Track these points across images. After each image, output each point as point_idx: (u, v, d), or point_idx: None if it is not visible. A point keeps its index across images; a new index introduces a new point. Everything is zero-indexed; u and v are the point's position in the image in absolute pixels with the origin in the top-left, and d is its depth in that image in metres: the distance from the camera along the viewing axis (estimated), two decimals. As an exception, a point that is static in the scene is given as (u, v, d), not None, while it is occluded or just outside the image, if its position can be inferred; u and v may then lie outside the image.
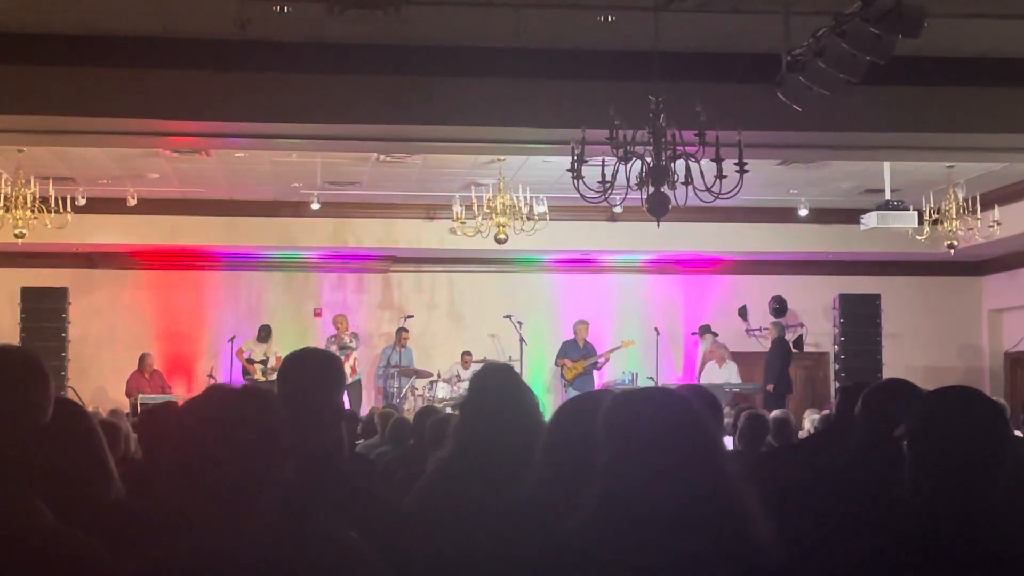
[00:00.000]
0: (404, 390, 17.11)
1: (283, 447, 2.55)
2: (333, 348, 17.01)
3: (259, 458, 2.51)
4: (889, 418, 3.79)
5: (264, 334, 17.65)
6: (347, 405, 16.29)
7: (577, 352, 17.87)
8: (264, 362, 17.18)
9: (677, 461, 2.59)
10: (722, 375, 17.51)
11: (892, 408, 3.86)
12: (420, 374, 17.29)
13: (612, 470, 2.65)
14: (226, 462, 2.47)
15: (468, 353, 17.54)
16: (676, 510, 2.55)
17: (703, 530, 2.54)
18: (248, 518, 2.47)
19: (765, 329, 18.45)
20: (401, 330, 17.88)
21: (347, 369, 17.08)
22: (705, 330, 18.40)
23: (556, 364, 17.99)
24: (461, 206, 15.06)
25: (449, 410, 9.88)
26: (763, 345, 18.19)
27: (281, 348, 17.22)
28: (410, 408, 15.01)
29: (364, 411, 13.79)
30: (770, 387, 16.95)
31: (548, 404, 15.80)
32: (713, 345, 18.17)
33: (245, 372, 17.29)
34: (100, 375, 17.92)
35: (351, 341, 17.53)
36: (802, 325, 19.24)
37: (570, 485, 3.07)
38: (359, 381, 17.60)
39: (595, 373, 17.95)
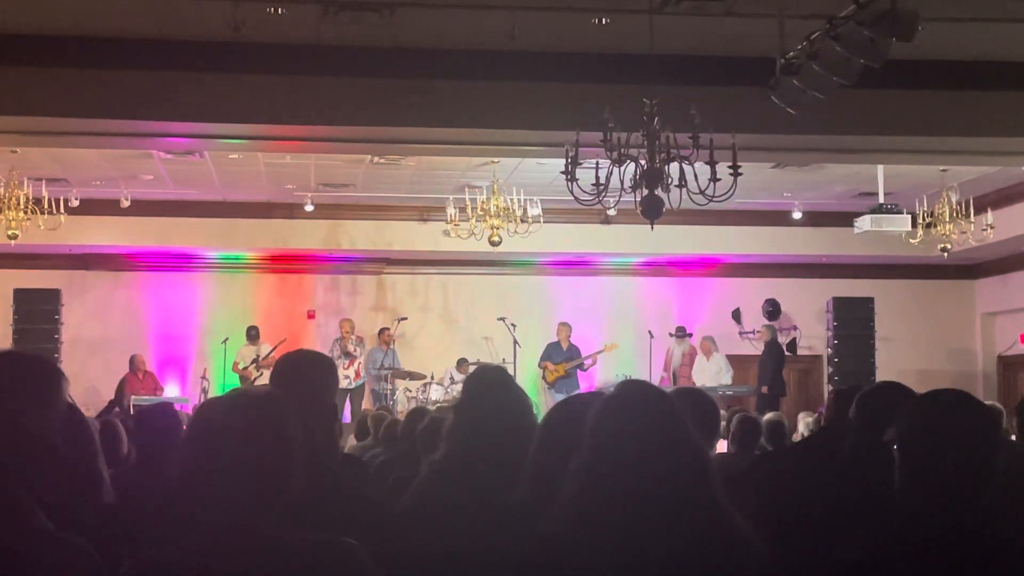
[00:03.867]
0: (396, 392, 17.10)
1: (296, 456, 2.55)
2: (336, 351, 16.98)
3: (274, 467, 2.51)
4: (883, 421, 3.79)
5: (252, 334, 17.59)
6: (348, 409, 16.36)
7: (560, 355, 17.87)
8: (255, 361, 17.12)
9: (649, 461, 2.59)
10: (711, 368, 17.50)
11: (886, 411, 3.86)
12: (413, 376, 17.28)
13: (586, 470, 2.65)
14: (242, 467, 2.47)
15: (464, 360, 17.48)
16: (648, 510, 2.54)
17: (676, 530, 2.53)
18: (255, 525, 2.47)
19: (758, 332, 18.46)
20: (383, 330, 17.90)
21: (351, 373, 17.09)
22: (682, 332, 18.31)
23: (539, 366, 17.97)
24: (455, 208, 15.05)
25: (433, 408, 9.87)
26: (756, 348, 18.21)
27: (267, 348, 17.20)
28: (402, 410, 14.99)
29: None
30: (764, 389, 16.95)
31: (541, 406, 15.81)
32: (702, 339, 18.14)
33: (244, 380, 17.22)
34: (93, 377, 17.87)
35: (355, 347, 17.48)
36: (795, 328, 19.27)
37: (558, 487, 3.08)
38: (363, 385, 17.56)
39: (579, 375, 17.93)
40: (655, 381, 17.26)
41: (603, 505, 2.56)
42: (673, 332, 18.20)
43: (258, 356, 17.15)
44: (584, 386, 17.60)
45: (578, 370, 17.88)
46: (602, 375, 18.19)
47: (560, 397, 15.56)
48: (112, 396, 17.01)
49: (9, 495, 2.52)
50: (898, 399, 3.95)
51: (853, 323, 18.85)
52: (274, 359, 16.47)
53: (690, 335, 18.29)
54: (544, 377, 17.81)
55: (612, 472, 2.58)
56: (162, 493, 3.47)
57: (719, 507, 2.61)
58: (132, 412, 14.75)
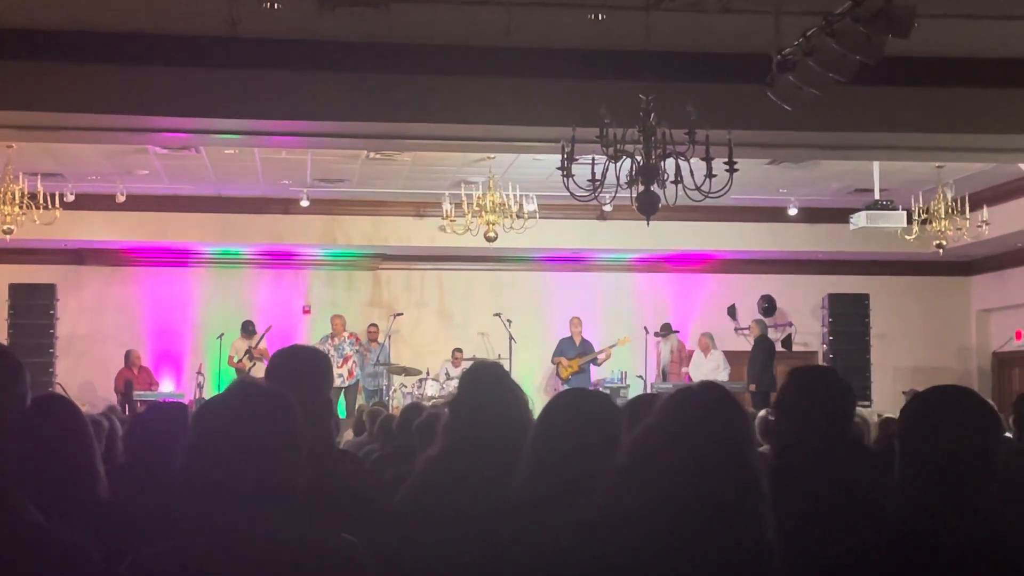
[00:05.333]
0: (394, 388, 17.12)
1: (302, 453, 2.55)
2: (329, 348, 16.96)
3: (279, 462, 2.51)
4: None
5: (249, 329, 17.56)
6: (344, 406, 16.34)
7: (573, 350, 17.86)
8: (248, 352, 17.11)
9: (703, 463, 2.59)
10: (708, 365, 17.47)
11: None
12: (409, 372, 17.28)
13: (636, 450, 2.65)
14: (247, 463, 2.47)
15: (459, 350, 17.53)
16: (696, 500, 2.54)
17: (709, 537, 2.53)
18: (259, 523, 2.47)
19: (749, 327, 18.43)
20: (371, 325, 17.92)
21: (344, 372, 17.09)
22: (667, 330, 18.21)
23: (552, 362, 18.00)
24: (451, 204, 15.06)
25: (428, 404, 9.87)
26: (751, 344, 18.21)
27: (265, 342, 17.22)
28: (398, 406, 14.99)
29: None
30: (752, 388, 16.91)
31: (538, 402, 15.73)
32: (700, 335, 18.12)
33: (240, 373, 17.21)
34: (88, 372, 17.87)
35: (351, 348, 17.48)
36: (791, 324, 19.27)
37: (559, 481, 3.07)
38: (357, 384, 17.55)
39: (592, 370, 17.93)
40: (652, 379, 17.31)
41: (648, 486, 2.56)
42: (658, 331, 18.12)
43: (251, 347, 17.14)
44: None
45: (592, 365, 17.87)
46: (597, 372, 18.19)
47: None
48: (107, 391, 16.98)
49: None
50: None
51: (848, 319, 18.88)
52: (264, 347, 16.60)
53: (676, 331, 18.23)
54: (558, 373, 17.80)
55: (662, 462, 2.58)
56: (161, 490, 3.47)
57: (757, 527, 2.60)
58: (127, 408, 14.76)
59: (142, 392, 16.19)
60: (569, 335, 18.04)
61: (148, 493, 3.61)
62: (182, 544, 2.47)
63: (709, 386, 2.84)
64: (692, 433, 2.63)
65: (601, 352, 17.84)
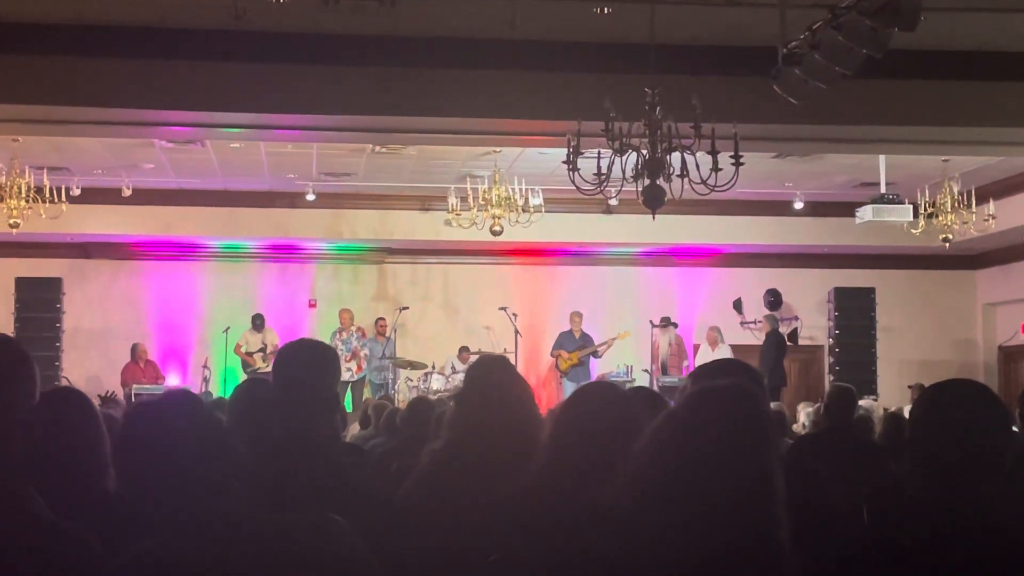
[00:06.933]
0: (399, 382, 17.13)
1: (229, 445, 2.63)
2: (337, 343, 16.96)
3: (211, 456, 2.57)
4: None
5: (258, 323, 17.63)
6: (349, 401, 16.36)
7: (573, 343, 17.86)
8: (263, 349, 17.17)
9: (732, 451, 2.58)
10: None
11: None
12: (414, 365, 17.29)
13: (656, 437, 2.64)
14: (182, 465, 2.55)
15: (466, 348, 17.50)
16: (712, 493, 2.54)
17: (735, 519, 2.53)
18: (238, 511, 2.50)
19: (759, 322, 18.45)
20: (379, 319, 17.94)
21: (352, 366, 17.13)
22: (666, 322, 18.12)
23: (552, 355, 17.99)
24: (456, 197, 15.06)
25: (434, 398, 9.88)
26: (758, 338, 18.20)
27: (276, 337, 17.27)
28: (403, 399, 14.99)
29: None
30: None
31: (542, 397, 15.78)
32: (708, 329, 18.11)
33: (246, 365, 17.27)
34: (94, 365, 17.91)
35: (359, 344, 17.50)
36: (797, 318, 19.26)
37: (576, 468, 3.08)
38: (364, 378, 17.58)
39: (592, 363, 17.93)
40: (656, 371, 17.31)
41: (664, 473, 2.56)
42: (657, 323, 18.08)
43: (266, 345, 17.19)
44: (594, 375, 17.58)
45: (592, 358, 17.88)
46: (602, 365, 18.19)
47: (572, 386, 15.56)
48: (114, 385, 17.00)
49: (8, 484, 2.52)
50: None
51: (854, 313, 18.88)
52: (279, 344, 16.60)
53: (675, 325, 18.20)
54: (557, 365, 17.82)
55: (682, 453, 2.58)
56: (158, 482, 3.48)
57: (771, 526, 2.60)
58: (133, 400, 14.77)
59: (149, 386, 16.22)
60: (569, 329, 18.04)
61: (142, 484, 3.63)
62: (171, 536, 2.49)
63: (736, 387, 2.83)
64: (715, 429, 2.62)
65: (601, 345, 17.85)
